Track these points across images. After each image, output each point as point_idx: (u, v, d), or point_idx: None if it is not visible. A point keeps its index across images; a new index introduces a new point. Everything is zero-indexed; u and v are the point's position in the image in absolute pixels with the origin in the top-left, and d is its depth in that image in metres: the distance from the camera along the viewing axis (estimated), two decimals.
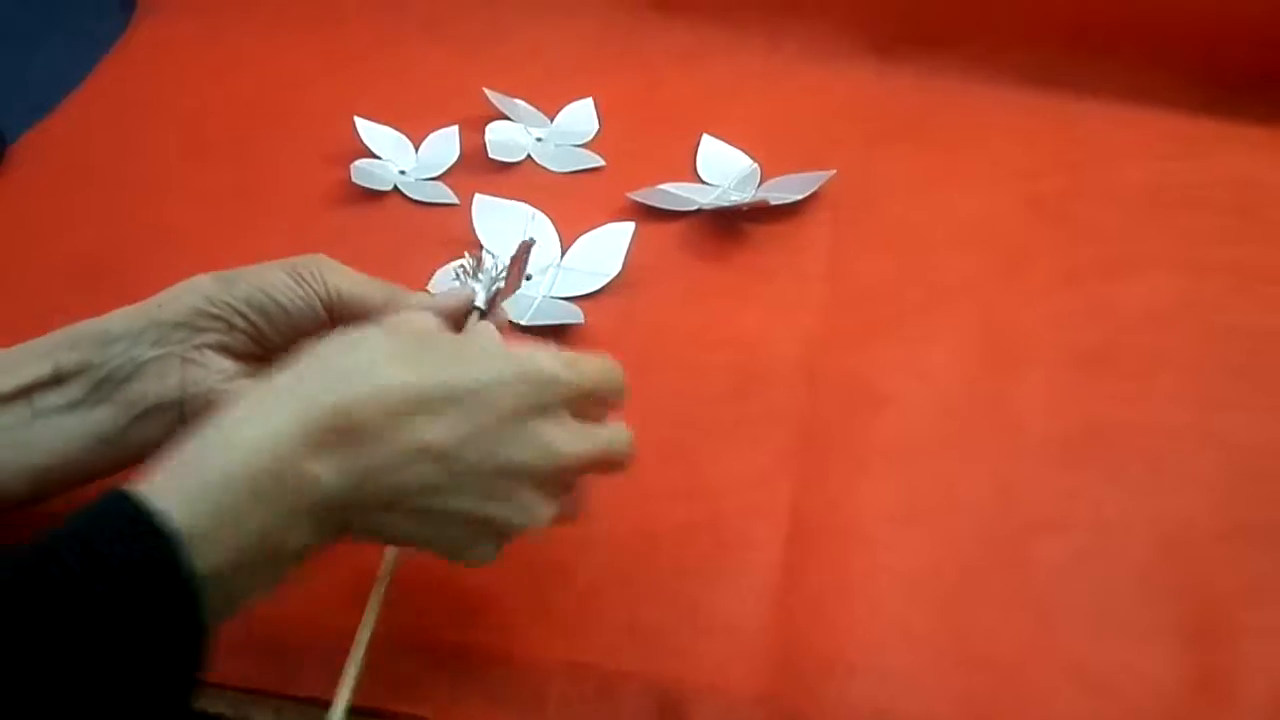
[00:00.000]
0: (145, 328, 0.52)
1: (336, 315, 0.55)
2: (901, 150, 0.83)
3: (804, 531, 0.58)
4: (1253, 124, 0.84)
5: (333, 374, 0.44)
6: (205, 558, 0.39)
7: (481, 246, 0.58)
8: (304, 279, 0.54)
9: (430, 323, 0.52)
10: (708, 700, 0.51)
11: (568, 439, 0.47)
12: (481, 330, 0.55)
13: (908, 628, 0.54)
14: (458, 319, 0.56)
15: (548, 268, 0.73)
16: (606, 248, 0.73)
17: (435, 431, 0.44)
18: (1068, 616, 0.54)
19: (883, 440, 0.63)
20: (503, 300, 0.60)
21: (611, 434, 0.49)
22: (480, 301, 0.57)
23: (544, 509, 0.47)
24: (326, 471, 0.43)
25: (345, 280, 0.55)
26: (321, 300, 0.54)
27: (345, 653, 0.50)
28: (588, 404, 0.49)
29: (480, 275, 0.59)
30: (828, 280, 0.73)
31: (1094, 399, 0.65)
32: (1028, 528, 0.58)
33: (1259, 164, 0.81)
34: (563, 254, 0.74)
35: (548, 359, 0.47)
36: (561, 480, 0.48)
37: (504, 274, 0.60)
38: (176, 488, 0.41)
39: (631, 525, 0.58)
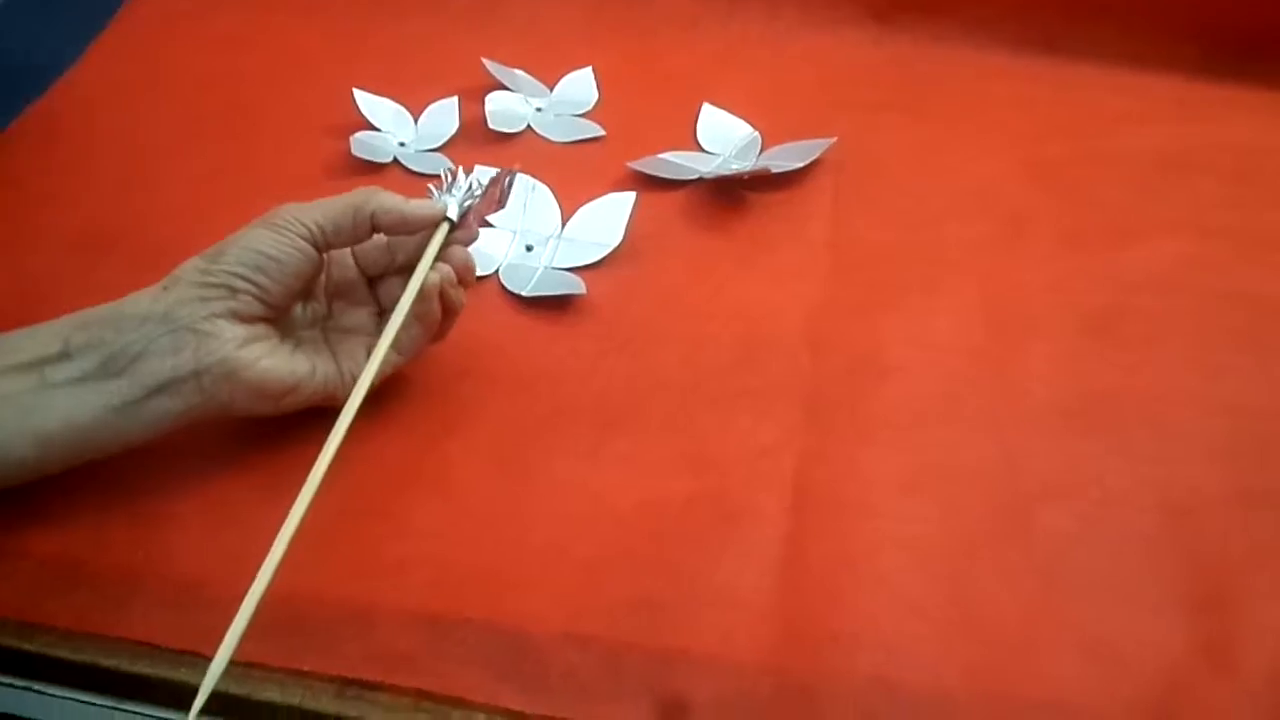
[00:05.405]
0: (154, 307, 0.54)
1: (324, 250, 0.58)
2: (902, 117, 0.82)
3: (808, 502, 0.58)
4: (1254, 88, 0.83)
5: None
6: None
7: (460, 167, 0.60)
8: (282, 227, 0.56)
9: None
10: (711, 672, 0.51)
11: None
12: None
13: (912, 598, 0.54)
14: (424, 228, 0.59)
15: (549, 238, 0.73)
16: (608, 218, 0.73)
17: None
18: (1073, 585, 0.54)
19: (886, 409, 0.62)
20: (477, 219, 0.60)
21: None
22: (452, 213, 0.58)
23: None
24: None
25: (317, 213, 0.57)
26: (307, 240, 0.56)
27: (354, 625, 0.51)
28: None
29: (454, 190, 0.59)
30: (830, 248, 0.72)
31: (1098, 366, 0.64)
32: (1032, 496, 0.58)
33: (1260, 128, 0.80)
34: (563, 224, 0.73)
35: None
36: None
37: (480, 192, 0.60)
38: None
39: (634, 497, 0.58)
